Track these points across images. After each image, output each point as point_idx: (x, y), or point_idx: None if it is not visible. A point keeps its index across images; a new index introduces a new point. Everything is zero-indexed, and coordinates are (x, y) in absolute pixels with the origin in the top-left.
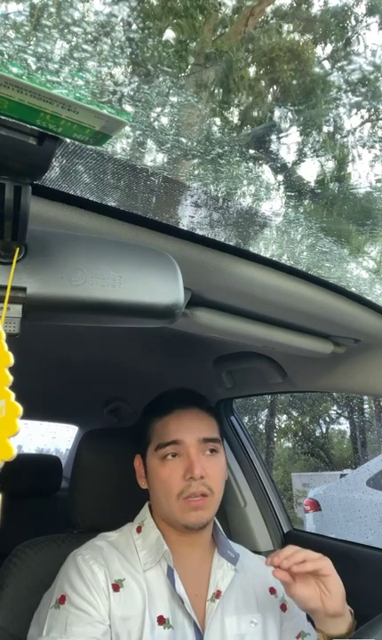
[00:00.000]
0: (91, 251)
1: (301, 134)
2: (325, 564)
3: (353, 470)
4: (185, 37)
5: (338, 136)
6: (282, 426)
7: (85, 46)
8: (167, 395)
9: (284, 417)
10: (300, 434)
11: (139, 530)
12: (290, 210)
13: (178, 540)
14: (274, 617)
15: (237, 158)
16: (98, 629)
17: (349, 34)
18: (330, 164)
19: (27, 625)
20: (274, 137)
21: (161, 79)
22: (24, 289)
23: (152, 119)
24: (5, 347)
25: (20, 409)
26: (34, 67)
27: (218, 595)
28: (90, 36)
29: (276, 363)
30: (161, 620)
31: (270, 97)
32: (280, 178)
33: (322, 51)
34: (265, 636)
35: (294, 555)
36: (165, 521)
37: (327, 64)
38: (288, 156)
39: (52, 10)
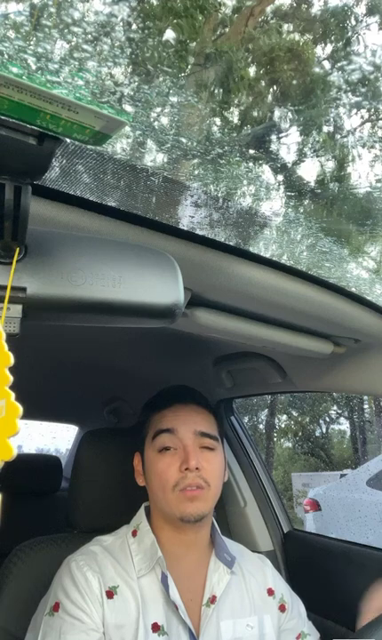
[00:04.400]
0: (91, 251)
1: (301, 134)
2: None
3: (353, 470)
4: (185, 37)
5: (338, 136)
6: (282, 426)
7: (85, 46)
8: (166, 390)
9: (284, 417)
10: (300, 434)
11: (134, 534)
12: (290, 210)
13: (174, 540)
14: (272, 619)
15: (237, 158)
16: (91, 637)
17: (349, 34)
18: (330, 164)
19: (26, 625)
20: (274, 137)
21: (161, 79)
22: (24, 289)
23: (152, 119)
24: (5, 347)
25: (20, 409)
26: (34, 67)
27: (213, 600)
28: (90, 36)
29: (276, 363)
30: (155, 627)
31: (270, 97)
32: (280, 178)
33: (322, 51)
34: (262, 638)
35: None
36: (162, 517)
37: (327, 64)
38: (288, 156)
39: (52, 10)
